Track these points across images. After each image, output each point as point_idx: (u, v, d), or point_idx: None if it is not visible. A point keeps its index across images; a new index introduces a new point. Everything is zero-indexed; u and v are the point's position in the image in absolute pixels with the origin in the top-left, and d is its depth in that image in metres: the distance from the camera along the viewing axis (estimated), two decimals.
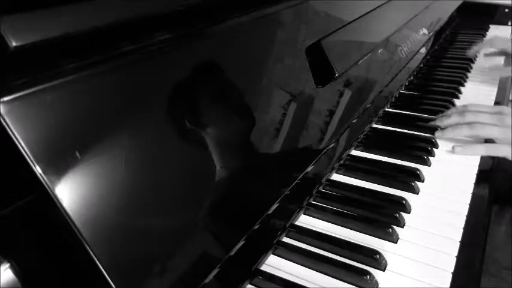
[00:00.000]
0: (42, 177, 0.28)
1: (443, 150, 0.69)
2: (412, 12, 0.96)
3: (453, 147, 0.68)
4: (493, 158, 0.67)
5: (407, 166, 0.64)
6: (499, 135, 0.67)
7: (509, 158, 0.65)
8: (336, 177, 0.63)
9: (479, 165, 0.65)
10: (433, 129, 0.74)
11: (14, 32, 0.28)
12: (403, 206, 0.55)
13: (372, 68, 0.72)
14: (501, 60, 1.06)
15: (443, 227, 0.52)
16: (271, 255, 0.49)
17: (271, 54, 0.52)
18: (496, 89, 0.95)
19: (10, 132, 0.27)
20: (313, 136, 0.56)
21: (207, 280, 0.38)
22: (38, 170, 0.28)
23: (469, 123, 0.69)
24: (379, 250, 0.48)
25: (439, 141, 0.71)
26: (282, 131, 0.50)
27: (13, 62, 0.29)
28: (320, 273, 0.46)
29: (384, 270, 0.46)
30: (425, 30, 1.00)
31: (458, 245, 0.49)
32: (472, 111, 0.70)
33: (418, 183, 0.60)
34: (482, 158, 0.67)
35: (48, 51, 0.31)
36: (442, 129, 0.72)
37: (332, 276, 0.46)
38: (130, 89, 0.35)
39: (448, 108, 0.82)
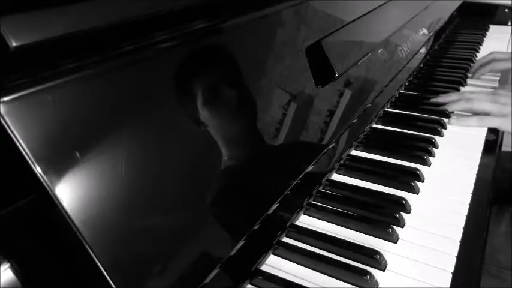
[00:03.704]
0: (42, 177, 0.28)
1: (443, 150, 0.69)
2: (412, 12, 0.96)
3: (449, 120, 0.77)
4: (493, 154, 0.70)
5: (407, 166, 0.64)
6: (492, 109, 0.74)
7: (501, 129, 0.74)
8: (336, 177, 0.63)
9: (479, 165, 0.65)
10: (433, 130, 0.74)
11: (14, 32, 0.28)
12: (403, 206, 0.55)
13: (372, 68, 0.72)
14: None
15: (443, 227, 0.52)
16: (271, 255, 0.49)
17: (271, 54, 0.52)
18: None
19: (10, 132, 0.27)
20: (313, 136, 0.56)
21: (207, 280, 0.38)
22: (38, 170, 0.28)
23: (467, 98, 0.78)
24: (379, 250, 0.48)
25: (439, 141, 0.71)
26: (282, 131, 0.50)
27: (13, 62, 0.29)
28: (320, 273, 0.46)
29: (383, 270, 0.46)
30: (425, 30, 1.00)
31: (458, 245, 0.49)
32: (471, 91, 0.82)
33: (418, 183, 0.60)
34: (482, 158, 0.67)
35: (48, 51, 0.31)
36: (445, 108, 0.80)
37: (332, 276, 0.46)
38: (130, 88, 0.35)
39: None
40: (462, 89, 0.94)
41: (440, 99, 0.83)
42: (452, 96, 0.82)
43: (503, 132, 0.82)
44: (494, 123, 0.74)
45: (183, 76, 0.40)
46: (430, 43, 1.11)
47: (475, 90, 0.84)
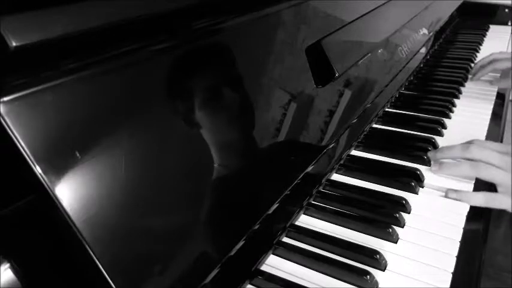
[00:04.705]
0: (42, 177, 0.28)
1: None
2: (412, 12, 0.96)
3: (447, 191, 0.58)
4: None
5: (407, 166, 0.64)
6: (503, 181, 0.57)
7: (510, 210, 0.57)
8: (336, 177, 0.63)
9: None
10: (433, 130, 0.74)
11: (14, 32, 0.28)
12: (403, 206, 0.55)
13: (372, 68, 0.72)
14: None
15: (443, 227, 0.52)
16: (271, 255, 0.49)
17: (271, 54, 0.52)
18: (496, 88, 0.95)
19: (10, 132, 0.27)
20: (313, 136, 0.56)
21: (207, 280, 0.38)
22: (38, 170, 0.28)
23: (472, 161, 0.60)
24: (379, 250, 0.48)
25: (439, 141, 0.71)
26: (282, 131, 0.50)
27: (13, 62, 0.29)
28: (320, 273, 0.46)
29: (383, 270, 0.46)
30: (425, 30, 1.00)
31: (458, 245, 0.49)
32: (478, 146, 0.60)
33: (418, 183, 0.60)
34: None
35: (48, 51, 0.31)
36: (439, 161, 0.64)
37: (332, 276, 0.46)
38: (130, 88, 0.35)
39: (448, 108, 0.83)
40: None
41: (439, 153, 0.64)
42: (454, 151, 0.63)
43: (503, 132, 0.82)
44: (503, 204, 0.57)
45: (184, 76, 0.40)
46: (430, 43, 1.11)
47: (481, 144, 0.61)
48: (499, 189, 0.58)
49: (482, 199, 0.57)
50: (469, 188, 0.59)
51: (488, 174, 0.58)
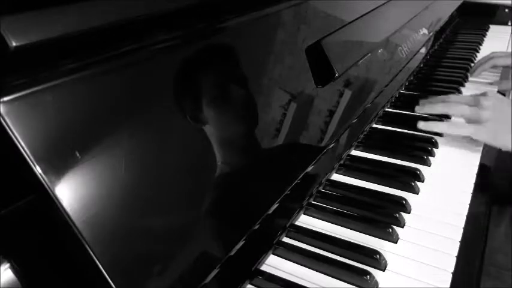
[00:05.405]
0: (42, 177, 0.28)
1: (443, 150, 0.69)
2: (412, 12, 0.96)
3: (418, 122, 0.70)
4: (493, 154, 0.67)
5: (407, 166, 0.64)
6: (469, 115, 0.67)
7: (473, 137, 0.66)
8: (336, 177, 0.63)
9: (479, 165, 0.65)
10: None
11: (14, 32, 0.28)
12: (403, 206, 0.55)
13: (372, 68, 0.72)
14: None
15: (443, 227, 0.52)
16: (271, 255, 0.49)
17: (271, 55, 0.52)
18: (496, 89, 0.95)
19: (10, 132, 0.27)
20: (313, 136, 0.56)
21: (207, 280, 0.38)
22: (38, 170, 0.28)
23: (445, 102, 0.72)
24: (379, 250, 0.48)
25: (439, 141, 0.71)
26: (282, 131, 0.50)
27: (13, 62, 0.29)
28: (320, 273, 0.46)
29: (383, 270, 0.46)
30: (425, 30, 1.00)
31: (458, 245, 0.49)
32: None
33: (418, 183, 0.60)
34: (483, 158, 0.67)
35: (48, 51, 0.31)
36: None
37: (332, 276, 0.46)
38: (130, 88, 0.35)
39: None
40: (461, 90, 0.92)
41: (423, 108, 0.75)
42: (436, 98, 0.75)
43: None
44: (466, 131, 0.67)
45: (183, 77, 0.40)
46: (430, 43, 1.11)
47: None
48: (465, 120, 0.68)
49: (444, 125, 0.69)
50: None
51: (456, 110, 0.69)
